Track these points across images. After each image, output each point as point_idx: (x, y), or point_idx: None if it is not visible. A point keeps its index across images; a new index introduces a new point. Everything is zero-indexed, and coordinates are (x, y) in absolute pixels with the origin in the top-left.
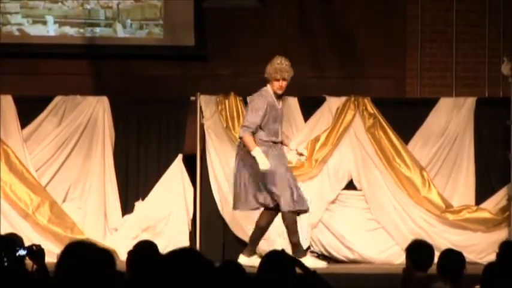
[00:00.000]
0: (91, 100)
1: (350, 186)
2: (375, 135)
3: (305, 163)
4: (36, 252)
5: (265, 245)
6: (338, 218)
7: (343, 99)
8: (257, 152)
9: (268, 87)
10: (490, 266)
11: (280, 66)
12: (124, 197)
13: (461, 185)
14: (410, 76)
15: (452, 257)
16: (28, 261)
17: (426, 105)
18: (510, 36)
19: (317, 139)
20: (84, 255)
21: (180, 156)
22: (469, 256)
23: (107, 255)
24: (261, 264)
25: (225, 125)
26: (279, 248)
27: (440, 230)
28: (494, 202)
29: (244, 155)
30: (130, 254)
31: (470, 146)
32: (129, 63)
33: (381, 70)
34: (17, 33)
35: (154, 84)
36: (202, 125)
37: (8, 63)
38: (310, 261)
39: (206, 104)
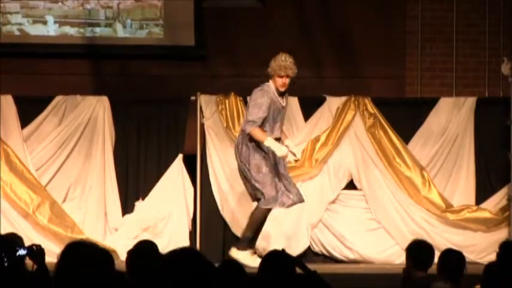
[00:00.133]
0: (91, 100)
1: (350, 186)
2: (375, 135)
3: (305, 162)
4: (36, 252)
5: (265, 244)
6: (338, 218)
7: (343, 99)
8: (270, 142)
9: (270, 83)
10: (490, 266)
11: (284, 63)
12: (124, 197)
13: (461, 185)
14: (410, 76)
15: (452, 257)
16: (28, 261)
17: (426, 105)
18: (510, 36)
19: (317, 139)
20: (84, 255)
21: (180, 156)
22: (469, 256)
23: (107, 255)
24: (261, 264)
25: (225, 125)
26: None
27: (441, 230)
28: (494, 202)
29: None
30: (130, 253)
31: (470, 146)
32: (129, 63)
33: (381, 70)
34: (17, 33)
35: (154, 84)
36: (202, 125)
37: (8, 63)
38: (240, 256)
39: (206, 103)
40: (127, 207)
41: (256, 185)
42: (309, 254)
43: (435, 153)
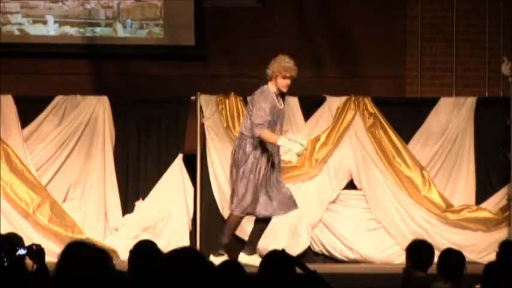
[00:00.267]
0: (91, 100)
1: (350, 185)
2: (375, 135)
3: (305, 162)
4: (37, 252)
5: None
6: (338, 218)
7: (343, 99)
8: (283, 141)
9: (270, 85)
10: (490, 266)
11: (288, 65)
12: (124, 197)
13: (461, 185)
14: (410, 76)
15: (452, 256)
16: (28, 261)
17: (426, 105)
18: (510, 36)
19: (317, 139)
20: (84, 255)
21: (180, 156)
22: (469, 256)
23: (107, 255)
24: (261, 264)
25: (225, 125)
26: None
27: (441, 230)
28: (494, 202)
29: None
30: (132, 253)
31: (470, 146)
32: (129, 63)
33: (380, 70)
34: (17, 32)
35: (154, 84)
36: (202, 125)
37: (8, 63)
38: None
39: (206, 103)
40: (127, 207)
41: (235, 189)
42: (309, 254)
43: (435, 153)
